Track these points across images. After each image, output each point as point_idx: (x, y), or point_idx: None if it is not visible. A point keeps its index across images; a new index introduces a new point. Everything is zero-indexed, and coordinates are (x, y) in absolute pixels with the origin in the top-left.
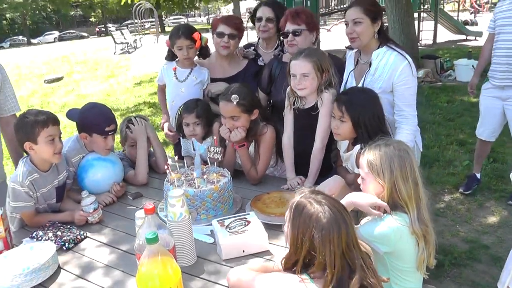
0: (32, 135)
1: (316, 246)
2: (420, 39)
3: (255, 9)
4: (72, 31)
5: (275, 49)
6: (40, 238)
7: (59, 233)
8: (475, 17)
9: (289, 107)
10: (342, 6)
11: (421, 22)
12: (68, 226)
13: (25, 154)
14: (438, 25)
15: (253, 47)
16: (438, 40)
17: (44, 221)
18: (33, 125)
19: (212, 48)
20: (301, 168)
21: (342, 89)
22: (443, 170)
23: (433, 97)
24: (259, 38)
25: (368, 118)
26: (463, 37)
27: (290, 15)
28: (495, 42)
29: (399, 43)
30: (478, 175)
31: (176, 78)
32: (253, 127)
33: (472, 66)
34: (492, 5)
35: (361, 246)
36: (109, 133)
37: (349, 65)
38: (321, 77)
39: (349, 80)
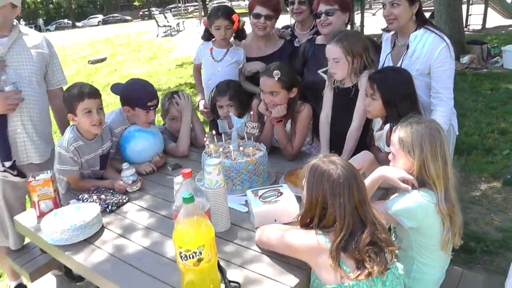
0: (71, 108)
1: (328, 199)
2: (468, 23)
3: None
4: (115, 14)
5: (311, 30)
6: (85, 200)
7: (103, 196)
8: None
9: (329, 87)
10: None
11: (470, 6)
12: (111, 191)
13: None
14: (489, 9)
15: (290, 29)
16: (488, 25)
17: (89, 186)
18: (72, 98)
19: (248, 31)
20: (337, 147)
21: None
22: (482, 158)
23: (477, 83)
24: (295, 21)
25: (398, 97)
26: None
27: None
28: None
29: (445, 27)
30: None
31: (213, 58)
32: (292, 104)
33: None
34: None
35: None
36: (151, 108)
37: (386, 48)
38: (352, 62)
39: (386, 63)
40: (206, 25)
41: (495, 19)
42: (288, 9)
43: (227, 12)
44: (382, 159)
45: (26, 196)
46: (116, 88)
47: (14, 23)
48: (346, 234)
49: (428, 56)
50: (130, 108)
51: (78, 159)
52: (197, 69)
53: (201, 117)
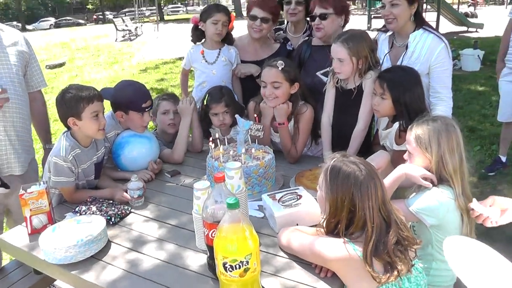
0: (76, 111)
1: (356, 203)
2: None
3: None
4: (68, 18)
5: (304, 33)
6: (83, 213)
7: (103, 207)
8: (474, 9)
9: (331, 84)
10: None
11: (424, 13)
12: (111, 202)
13: (57, 130)
14: (440, 16)
15: (282, 31)
16: (440, 31)
17: (84, 197)
18: (78, 100)
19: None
20: (339, 148)
21: None
22: None
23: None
24: (287, 22)
25: (408, 96)
26: (464, 28)
27: None
28: None
29: None
30: (503, 158)
31: (206, 61)
32: (295, 102)
33: (478, 56)
34: None
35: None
36: (146, 109)
37: (384, 48)
38: (357, 63)
39: (385, 63)
40: (196, 22)
41: (446, 26)
42: (283, 9)
43: (227, 9)
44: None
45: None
46: (105, 93)
47: None
48: (376, 237)
49: (428, 57)
50: (124, 113)
51: (75, 169)
52: (185, 75)
53: None
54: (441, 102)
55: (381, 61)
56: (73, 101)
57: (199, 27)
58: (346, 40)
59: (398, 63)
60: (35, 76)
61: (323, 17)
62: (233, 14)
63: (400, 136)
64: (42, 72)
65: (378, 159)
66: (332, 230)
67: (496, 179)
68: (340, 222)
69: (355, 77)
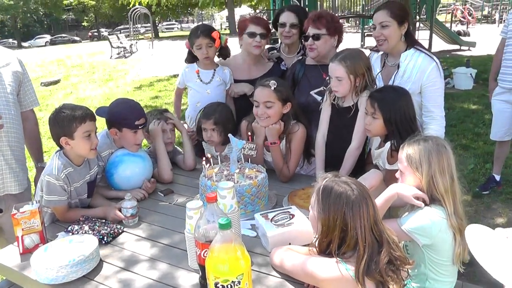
0: (69, 130)
1: (348, 222)
2: None
3: (278, 14)
4: (64, 35)
5: (298, 53)
6: (76, 232)
7: (96, 227)
8: (467, 27)
9: (327, 102)
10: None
11: (416, 31)
12: (104, 221)
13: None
14: (433, 34)
15: (276, 50)
16: (433, 50)
17: (77, 216)
18: (70, 120)
19: (233, 50)
20: (333, 168)
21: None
22: None
23: None
24: (281, 43)
25: (399, 116)
26: (457, 47)
27: (311, 19)
28: (506, 46)
29: None
30: (497, 177)
31: (201, 80)
32: (287, 122)
33: (471, 74)
34: (483, 17)
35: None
36: (139, 127)
37: (376, 67)
38: (355, 81)
39: (377, 83)
40: (188, 47)
41: (439, 44)
42: (277, 31)
43: (207, 30)
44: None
45: None
46: (101, 111)
47: None
48: (368, 256)
49: (419, 76)
50: (117, 130)
51: (68, 187)
52: (179, 94)
53: None
54: (434, 121)
55: None
56: (66, 121)
57: (192, 51)
58: (343, 59)
59: (390, 82)
60: (28, 95)
61: (316, 37)
62: (218, 31)
63: (392, 156)
64: (34, 91)
65: (370, 178)
66: (324, 250)
67: (490, 197)
68: (332, 242)
69: (352, 96)
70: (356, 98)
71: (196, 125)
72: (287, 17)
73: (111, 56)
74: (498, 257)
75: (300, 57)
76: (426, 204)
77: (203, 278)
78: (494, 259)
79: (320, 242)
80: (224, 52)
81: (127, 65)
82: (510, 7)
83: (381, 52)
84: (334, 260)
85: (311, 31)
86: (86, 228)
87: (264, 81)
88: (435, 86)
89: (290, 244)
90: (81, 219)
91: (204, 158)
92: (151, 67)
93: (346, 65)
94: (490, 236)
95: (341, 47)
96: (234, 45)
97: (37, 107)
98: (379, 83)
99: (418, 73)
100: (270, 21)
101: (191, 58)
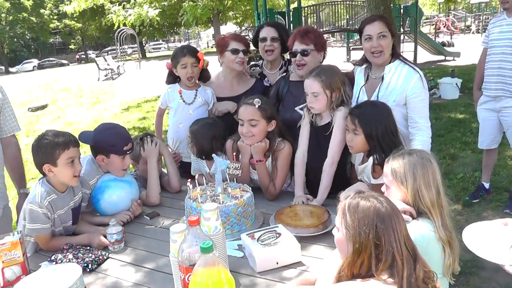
0: (51, 157)
1: (381, 236)
2: None
3: (258, 30)
4: (51, 58)
5: (280, 69)
6: (60, 261)
7: (80, 254)
8: (451, 38)
9: (306, 119)
10: None
11: (401, 44)
12: (88, 248)
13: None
14: (418, 46)
15: (258, 67)
16: (418, 61)
17: (60, 245)
18: (53, 147)
19: (213, 71)
20: (315, 186)
21: (353, 104)
22: None
23: None
24: (262, 60)
25: (380, 131)
26: (442, 57)
27: (299, 34)
28: (488, 55)
29: None
30: (487, 185)
31: (183, 101)
32: (272, 139)
33: (456, 84)
34: (466, 27)
35: None
36: (127, 152)
37: (360, 81)
38: (331, 96)
39: (361, 96)
40: (170, 68)
41: (424, 55)
42: (259, 47)
43: (192, 50)
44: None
45: None
46: (85, 137)
47: None
48: (407, 272)
49: (404, 88)
50: (104, 157)
51: (52, 215)
52: (161, 115)
53: None
54: (420, 132)
55: (357, 94)
56: (49, 148)
57: (174, 72)
58: (318, 74)
59: (375, 94)
60: (8, 120)
61: (304, 53)
62: (202, 52)
63: (375, 171)
64: (15, 116)
65: (357, 189)
66: (358, 272)
67: (480, 206)
68: (366, 260)
69: (329, 112)
70: (331, 115)
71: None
72: (267, 32)
73: (99, 79)
74: (495, 242)
75: (284, 74)
76: (413, 218)
77: None
78: (490, 246)
79: (352, 264)
80: (204, 74)
81: (114, 86)
82: (491, 17)
83: (364, 66)
84: (373, 281)
85: (299, 47)
86: (70, 256)
87: (248, 99)
88: (420, 97)
89: (277, 263)
90: (65, 247)
91: (189, 180)
92: (139, 88)
93: (322, 80)
94: (487, 226)
95: (326, 62)
96: (215, 64)
97: (19, 132)
98: (363, 97)
99: (402, 85)
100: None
101: (173, 79)
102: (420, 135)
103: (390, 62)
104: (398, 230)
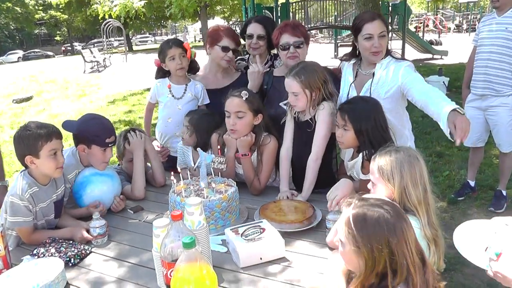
0: (34, 149)
1: (394, 250)
2: None
3: (245, 25)
4: (37, 50)
5: (265, 64)
6: (42, 255)
7: (62, 248)
8: (439, 37)
9: (289, 116)
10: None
11: (389, 41)
12: (71, 242)
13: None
14: (406, 44)
15: (244, 61)
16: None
17: (43, 238)
18: (36, 138)
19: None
20: (299, 181)
21: (343, 100)
22: None
23: (409, 112)
24: (249, 54)
25: (370, 126)
26: (429, 56)
27: (289, 27)
28: (477, 54)
29: None
30: (472, 183)
31: (173, 96)
32: (258, 134)
33: (443, 82)
34: (455, 27)
35: None
36: (109, 145)
37: (348, 76)
38: (311, 95)
39: (351, 92)
40: (158, 64)
41: (412, 53)
42: (245, 42)
43: (177, 41)
44: (356, 187)
45: None
46: (69, 125)
47: None
48: (420, 278)
49: (395, 78)
50: (86, 147)
51: (33, 207)
52: (150, 109)
53: None
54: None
55: (347, 90)
56: (31, 139)
57: (163, 67)
58: (297, 74)
59: (366, 89)
60: None
61: (297, 45)
62: (187, 43)
63: (364, 166)
64: None
65: (342, 187)
66: (370, 284)
67: (465, 203)
68: (379, 273)
69: (310, 109)
70: (314, 111)
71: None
72: (254, 29)
73: (85, 71)
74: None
75: (268, 69)
76: None
77: None
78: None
79: (367, 281)
80: (193, 66)
81: (100, 79)
82: (479, 16)
83: (352, 61)
84: None
85: (290, 39)
86: (53, 250)
87: (236, 91)
88: (415, 75)
89: (261, 259)
90: (47, 241)
91: (172, 173)
92: (125, 80)
93: (301, 80)
94: (484, 226)
95: (314, 58)
96: (202, 56)
97: (3, 122)
98: (353, 93)
99: (393, 75)
100: None
101: (162, 74)
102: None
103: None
104: (409, 238)
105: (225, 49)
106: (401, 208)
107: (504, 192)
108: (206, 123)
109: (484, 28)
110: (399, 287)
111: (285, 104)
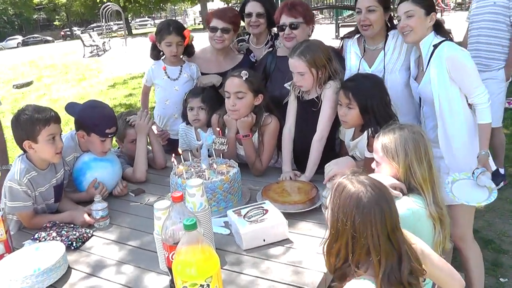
0: (32, 134)
1: (358, 228)
2: None
3: (243, 4)
4: (36, 35)
5: (266, 44)
6: (43, 239)
7: (64, 232)
8: (441, 15)
9: (293, 96)
10: None
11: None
12: (72, 225)
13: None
14: None
15: (244, 42)
16: None
17: (43, 222)
18: (33, 122)
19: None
20: (302, 162)
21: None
22: None
23: None
24: (249, 34)
25: (375, 103)
26: None
27: (286, 7)
28: (469, 31)
29: None
30: (502, 170)
31: (168, 77)
32: (258, 114)
33: None
34: (457, 5)
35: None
36: (109, 136)
37: (354, 52)
38: (317, 73)
39: (362, 66)
40: (153, 41)
41: None
42: (244, 21)
43: (179, 28)
44: (358, 167)
45: None
46: (71, 109)
47: None
48: (386, 267)
49: (407, 48)
50: (85, 134)
51: (32, 192)
52: (146, 92)
53: None
54: None
55: (357, 66)
56: (29, 124)
57: (158, 46)
58: (302, 53)
59: (379, 63)
60: None
61: (294, 26)
62: (189, 29)
63: (370, 144)
64: None
65: (341, 162)
66: (335, 258)
67: None
68: (342, 249)
69: (316, 88)
70: (320, 90)
71: (182, 110)
72: (252, 7)
73: (84, 55)
74: None
75: (271, 49)
76: (404, 194)
77: (173, 282)
78: None
79: (329, 247)
80: (189, 50)
81: (100, 63)
82: None
83: (356, 36)
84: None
85: (286, 20)
86: (54, 234)
87: (235, 71)
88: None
89: (264, 240)
90: (48, 225)
91: (173, 155)
92: (125, 64)
93: (306, 59)
94: None
95: (314, 38)
96: (204, 39)
97: (4, 109)
98: (364, 66)
99: (404, 46)
100: None
101: (157, 53)
102: None
103: (387, 35)
104: (378, 223)
105: (213, 29)
106: (406, 186)
107: (502, 170)
108: (218, 98)
109: (475, 5)
110: (362, 268)
111: (289, 85)
